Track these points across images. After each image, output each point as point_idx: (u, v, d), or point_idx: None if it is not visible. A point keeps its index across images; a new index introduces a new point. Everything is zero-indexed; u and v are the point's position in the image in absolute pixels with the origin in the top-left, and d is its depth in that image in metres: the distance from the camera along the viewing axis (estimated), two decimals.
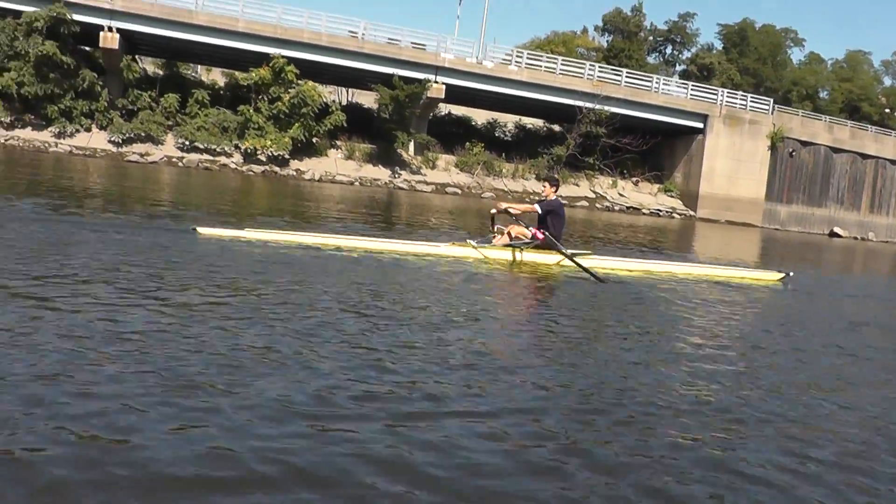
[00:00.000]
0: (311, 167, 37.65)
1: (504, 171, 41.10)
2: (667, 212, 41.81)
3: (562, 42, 74.37)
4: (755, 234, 35.32)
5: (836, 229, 45.74)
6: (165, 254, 7.25)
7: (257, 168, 36.28)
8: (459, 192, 38.46)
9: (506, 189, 40.10)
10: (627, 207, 41.41)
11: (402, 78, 37.14)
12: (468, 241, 9.56)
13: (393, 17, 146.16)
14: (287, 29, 37.23)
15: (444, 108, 47.31)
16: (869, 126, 51.56)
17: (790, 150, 44.57)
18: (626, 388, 4.19)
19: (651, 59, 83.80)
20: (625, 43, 72.06)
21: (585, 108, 39.79)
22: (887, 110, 79.06)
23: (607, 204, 41.18)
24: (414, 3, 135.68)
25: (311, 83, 38.01)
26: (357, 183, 36.75)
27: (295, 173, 36.69)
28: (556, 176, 10.56)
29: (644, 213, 40.93)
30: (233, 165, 36.28)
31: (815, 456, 3.42)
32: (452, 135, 42.61)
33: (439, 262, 8.80)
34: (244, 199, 19.81)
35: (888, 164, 48.37)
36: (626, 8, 78.71)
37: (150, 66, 46.19)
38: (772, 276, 10.84)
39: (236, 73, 40.71)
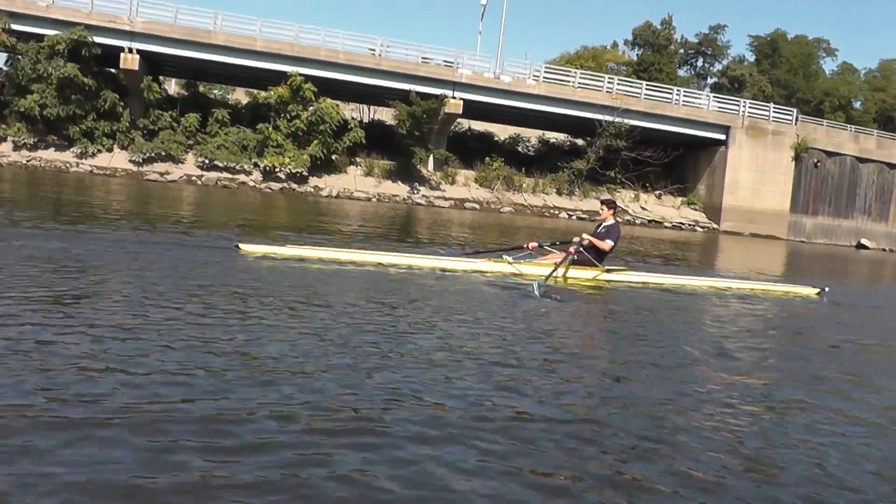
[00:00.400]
0: (330, 184, 37.99)
1: (524, 185, 41.27)
2: (689, 225, 41.76)
3: (591, 56, 74.46)
4: (780, 247, 35.10)
5: (864, 241, 45.41)
6: (214, 270, 7.51)
7: (276, 185, 36.68)
8: (478, 207, 38.61)
9: (525, 203, 40.25)
10: (649, 221, 41.37)
11: (419, 94, 37.49)
12: (504, 256, 9.75)
13: (414, 34, 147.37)
14: (304, 47, 37.70)
15: (466, 124, 47.75)
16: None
17: (815, 160, 44.43)
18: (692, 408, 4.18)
19: (682, 72, 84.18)
20: (655, 56, 72.41)
21: (605, 121, 39.98)
22: None
23: (629, 217, 41.14)
24: (435, 20, 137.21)
25: (329, 100, 38.46)
26: (374, 199, 36.98)
27: (313, 190, 37.07)
28: (612, 198, 10.67)
29: (666, 227, 40.89)
30: (251, 183, 36.72)
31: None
32: (474, 150, 42.79)
33: (477, 277, 9.00)
34: (264, 216, 19.92)
35: None
36: (656, 21, 79.04)
37: (173, 86, 47.05)
38: (808, 292, 10.98)
39: (256, 91, 41.32)
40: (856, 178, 46.17)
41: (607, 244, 9.79)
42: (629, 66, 74.07)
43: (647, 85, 42.73)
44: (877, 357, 6.73)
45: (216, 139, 37.91)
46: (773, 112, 44.01)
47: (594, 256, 9.72)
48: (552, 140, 48.42)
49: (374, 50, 38.89)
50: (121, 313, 5.02)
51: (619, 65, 76.77)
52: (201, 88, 46.88)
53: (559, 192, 41.68)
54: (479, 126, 48.13)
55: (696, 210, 43.65)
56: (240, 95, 46.35)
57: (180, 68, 41.19)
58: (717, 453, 3.40)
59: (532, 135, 48.46)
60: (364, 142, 38.92)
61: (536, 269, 9.50)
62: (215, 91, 46.46)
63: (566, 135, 48.34)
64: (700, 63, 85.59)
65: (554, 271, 9.19)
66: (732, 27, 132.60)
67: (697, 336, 6.77)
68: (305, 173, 37.43)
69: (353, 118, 41.46)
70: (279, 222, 17.62)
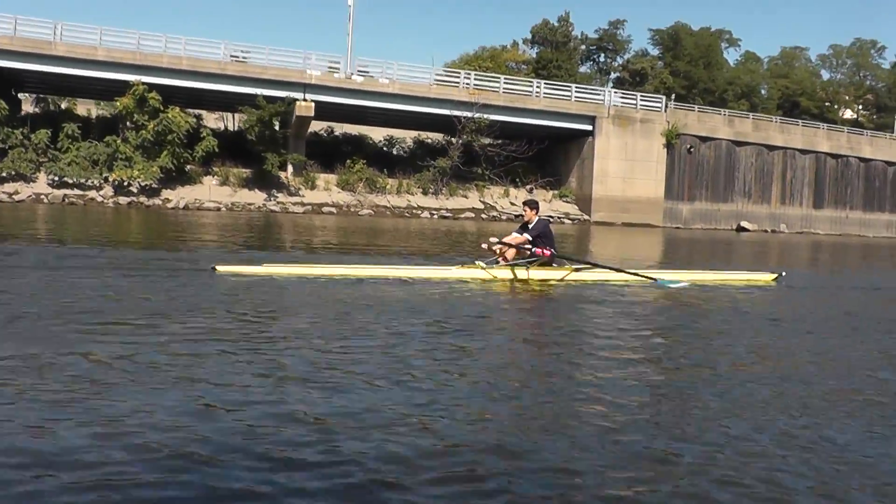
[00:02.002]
0: (184, 195, 38.00)
1: (388, 186, 41.64)
2: (558, 217, 42.33)
3: (490, 57, 75.11)
4: (655, 235, 35.42)
5: (744, 223, 46.19)
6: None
7: (124, 200, 36.65)
8: (335, 211, 38.83)
9: (389, 205, 40.55)
10: (516, 216, 41.82)
11: (268, 97, 37.79)
12: (477, 262, 10.02)
13: (280, 40, 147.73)
14: (146, 55, 37.46)
15: (340, 128, 48.09)
16: (774, 117, 52.34)
17: (688, 146, 45.16)
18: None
19: (585, 69, 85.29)
20: (553, 54, 73.18)
21: (464, 117, 40.49)
22: (827, 104, 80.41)
23: (495, 214, 41.68)
24: (303, 26, 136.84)
25: (177, 109, 38.42)
26: (223, 208, 37.04)
27: (161, 203, 37.15)
28: (534, 199, 11.08)
29: None
30: (100, 199, 36.62)
31: None
32: (344, 154, 42.91)
33: (451, 284, 9.30)
34: (83, 233, 19.31)
35: (797, 154, 49.03)
36: (555, 19, 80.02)
37: (28, 104, 46.89)
38: (766, 277, 11.26)
39: (102, 103, 41.36)
40: (733, 161, 46.99)
41: (525, 237, 10.22)
42: (528, 65, 74.85)
43: (505, 79, 43.28)
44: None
45: (68, 155, 37.74)
46: (641, 100, 44.72)
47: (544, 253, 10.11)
48: (427, 140, 48.78)
49: (238, 56, 39.13)
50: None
51: (519, 64, 77.24)
52: (64, 104, 46.86)
53: (425, 192, 42.10)
54: (353, 129, 48.44)
55: (568, 202, 44.19)
56: (95, 108, 46.21)
57: (26, 82, 41.07)
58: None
59: (407, 135, 48.82)
60: (217, 150, 38.99)
61: (509, 273, 9.93)
62: (65, 104, 46.20)
63: (443, 134, 48.80)
64: (602, 59, 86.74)
65: (523, 272, 9.81)
66: (634, 22, 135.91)
67: (677, 332, 6.94)
68: (156, 186, 37.40)
69: (205, 128, 41.49)
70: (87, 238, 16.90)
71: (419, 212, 40.26)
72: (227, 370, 4.50)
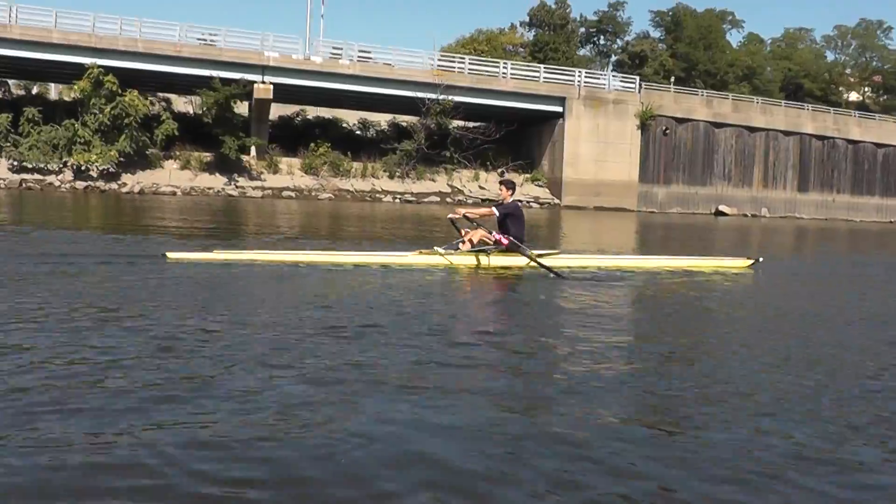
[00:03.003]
0: (144, 180, 37.87)
1: (353, 170, 41.31)
2: (528, 202, 41.72)
3: (486, 40, 74.65)
4: (628, 220, 34.79)
5: (722, 207, 45.34)
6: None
7: (81, 184, 36.63)
8: (294, 195, 38.57)
9: (352, 189, 40.19)
10: (483, 199, 41.38)
11: (225, 80, 37.51)
12: (435, 248, 9.74)
13: (249, 22, 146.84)
14: (102, 37, 37.22)
15: (315, 111, 47.81)
16: (756, 98, 51.26)
17: (663, 128, 44.45)
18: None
19: (585, 51, 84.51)
20: (550, 36, 72.54)
21: (428, 99, 40.03)
22: (833, 86, 79.10)
23: (461, 198, 41.22)
24: (273, 7, 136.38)
25: (134, 93, 38.30)
26: (179, 193, 36.89)
27: (117, 187, 37.02)
28: (510, 179, 10.89)
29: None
30: (58, 184, 36.65)
31: None
32: (313, 138, 42.65)
33: (407, 271, 9.04)
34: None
35: (780, 135, 48.04)
36: (551, 1, 79.16)
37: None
38: (741, 263, 10.93)
39: (62, 87, 41.31)
40: (712, 143, 46.16)
41: (492, 210, 10.00)
42: (526, 48, 74.28)
43: (470, 59, 42.77)
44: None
45: (28, 139, 37.77)
46: (613, 81, 44.07)
47: (515, 237, 9.69)
48: (403, 123, 48.29)
49: (203, 38, 38.88)
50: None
51: (517, 47, 76.78)
52: (35, 89, 46.94)
53: (391, 176, 41.70)
54: (328, 113, 48.11)
55: (540, 186, 43.58)
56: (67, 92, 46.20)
57: None
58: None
59: (382, 119, 48.34)
60: (177, 134, 38.85)
61: (467, 260, 9.62)
62: (36, 89, 46.29)
63: (417, 117, 48.33)
64: (603, 41, 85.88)
65: (482, 259, 9.50)
66: (634, 3, 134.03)
67: (653, 319, 6.88)
68: (115, 170, 37.24)
69: (165, 112, 41.34)
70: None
71: (382, 196, 39.88)
72: (163, 363, 4.21)
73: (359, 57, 39.95)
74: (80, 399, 3.50)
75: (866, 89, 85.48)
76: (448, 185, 42.18)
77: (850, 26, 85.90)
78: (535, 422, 3.54)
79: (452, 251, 9.70)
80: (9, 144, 37.14)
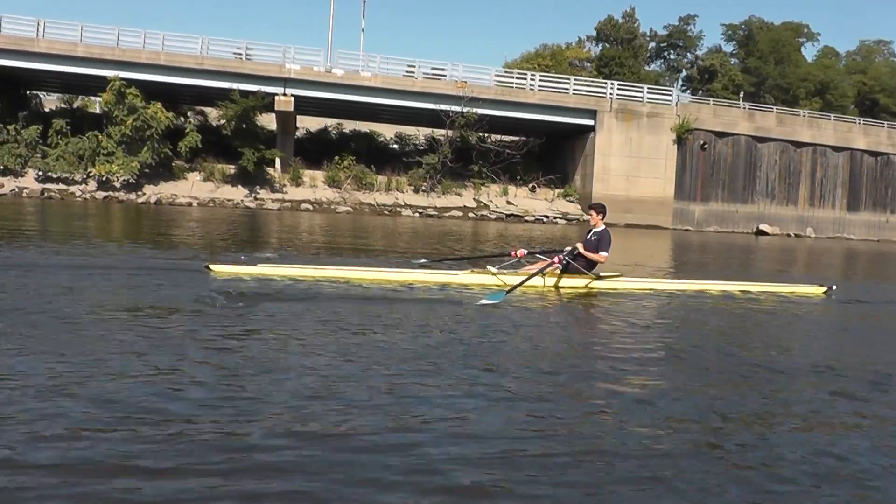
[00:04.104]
0: (166, 191, 38.05)
1: (377, 183, 40.76)
2: (555, 218, 40.60)
3: (551, 55, 73.94)
4: (659, 238, 33.42)
5: (763, 226, 43.44)
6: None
7: (101, 194, 36.91)
8: (312, 208, 38.21)
9: (375, 202, 39.62)
10: (508, 215, 40.32)
11: (245, 92, 37.43)
12: (488, 267, 9.47)
13: (279, 35, 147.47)
14: (125, 50, 37.67)
15: (351, 125, 47.52)
16: (802, 111, 49.25)
17: (701, 142, 42.79)
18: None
19: (655, 66, 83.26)
20: (615, 51, 71.65)
21: (452, 111, 39.27)
22: None
23: (484, 213, 40.24)
24: (302, 20, 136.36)
25: (158, 105, 38.57)
26: (195, 204, 36.84)
27: (135, 198, 37.17)
28: (601, 203, 10.43)
29: (527, 220, 39.82)
30: (78, 193, 37.02)
31: None
32: (345, 150, 42.23)
33: (459, 290, 8.76)
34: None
35: (829, 151, 45.91)
36: (619, 16, 78.25)
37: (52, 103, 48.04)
38: (814, 290, 10.59)
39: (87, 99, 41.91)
40: (754, 158, 44.29)
41: (601, 256, 9.40)
42: (592, 63, 73.38)
43: (496, 71, 41.92)
44: None
45: (56, 150, 38.39)
46: (648, 93, 42.64)
47: (584, 265, 9.37)
48: (440, 136, 47.59)
49: (228, 51, 39.01)
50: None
51: (582, 61, 76.00)
52: (77, 102, 47.76)
53: (416, 190, 41.02)
54: (364, 126, 47.78)
55: (571, 202, 42.37)
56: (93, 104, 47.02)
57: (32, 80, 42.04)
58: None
59: (421, 132, 47.50)
60: (201, 146, 38.98)
61: (522, 280, 9.12)
62: (78, 103, 47.25)
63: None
64: (673, 56, 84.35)
65: (527, 279, 8.92)
66: (706, 17, 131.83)
67: (733, 345, 6.54)
68: (135, 181, 37.53)
69: (190, 123, 41.59)
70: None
71: (402, 210, 39.19)
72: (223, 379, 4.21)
73: (381, 69, 39.21)
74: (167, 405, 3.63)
75: None
76: (475, 199, 41.32)
77: None
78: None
79: (505, 271, 9.29)
80: (37, 155, 37.76)
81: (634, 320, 7.37)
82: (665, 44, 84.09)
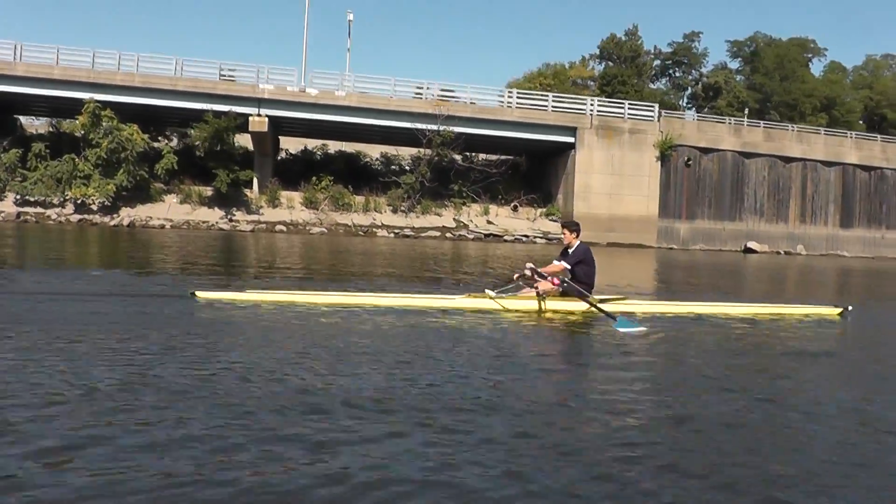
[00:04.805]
0: (143, 213, 38.03)
1: (355, 204, 40.49)
2: (535, 237, 40.06)
3: (553, 74, 73.78)
4: (642, 258, 32.91)
5: (751, 244, 42.61)
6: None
7: (76, 217, 36.93)
8: (286, 229, 37.96)
9: (351, 223, 39.35)
10: (486, 235, 39.89)
11: (218, 113, 37.40)
12: (486, 291, 9.18)
13: (276, 58, 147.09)
14: (100, 72, 37.83)
15: (335, 146, 47.47)
16: (791, 125, 48.52)
17: (686, 158, 42.20)
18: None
19: (661, 84, 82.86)
20: (618, 69, 71.33)
21: (429, 130, 38.99)
22: None
23: (462, 233, 39.80)
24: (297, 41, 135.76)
25: (134, 127, 38.68)
26: (168, 226, 36.72)
27: (108, 220, 37.10)
28: (573, 220, 10.21)
29: (507, 240, 39.39)
30: (54, 216, 37.07)
31: None
32: (329, 172, 42.15)
33: (455, 315, 8.47)
34: None
35: (819, 165, 45.13)
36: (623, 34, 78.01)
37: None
38: (829, 311, 10.21)
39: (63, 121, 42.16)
40: (741, 174, 43.54)
41: (562, 265, 9.19)
42: (595, 81, 73.08)
43: (472, 88, 41.56)
44: None
45: (35, 174, 38.54)
46: (629, 109, 42.11)
47: (585, 287, 9.04)
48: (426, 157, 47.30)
49: (201, 72, 39.02)
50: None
51: (585, 80, 75.72)
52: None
53: (395, 210, 40.71)
54: (350, 147, 47.73)
55: (553, 221, 41.76)
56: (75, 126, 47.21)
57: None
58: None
59: (407, 152, 47.26)
60: (176, 168, 38.96)
61: (521, 304, 9.02)
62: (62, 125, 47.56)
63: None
64: (679, 73, 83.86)
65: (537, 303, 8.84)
66: (711, 34, 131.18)
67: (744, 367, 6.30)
68: (110, 203, 37.52)
69: (167, 145, 41.69)
70: None
71: (377, 230, 38.87)
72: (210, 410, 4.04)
73: (355, 88, 39.03)
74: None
75: None
76: (454, 219, 40.90)
77: None
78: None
79: (504, 295, 9.01)
80: (17, 179, 37.90)
81: (639, 345, 7.02)
82: (670, 61, 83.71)
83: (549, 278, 8.87)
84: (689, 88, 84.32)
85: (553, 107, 40.94)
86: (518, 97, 41.17)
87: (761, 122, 48.27)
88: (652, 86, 79.11)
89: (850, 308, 10.13)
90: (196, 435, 3.54)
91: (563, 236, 9.67)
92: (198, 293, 8.65)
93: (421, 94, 40.20)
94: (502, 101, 40.73)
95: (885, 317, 11.79)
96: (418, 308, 8.60)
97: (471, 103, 40.13)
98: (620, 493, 3.10)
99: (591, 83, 74.42)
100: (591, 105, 41.46)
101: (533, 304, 8.89)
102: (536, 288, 8.96)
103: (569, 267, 9.07)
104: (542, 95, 42.47)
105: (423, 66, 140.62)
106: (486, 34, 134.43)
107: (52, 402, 3.97)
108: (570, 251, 9.32)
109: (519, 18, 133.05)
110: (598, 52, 79.28)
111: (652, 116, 41.94)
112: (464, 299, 8.98)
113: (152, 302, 8.36)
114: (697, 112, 60.34)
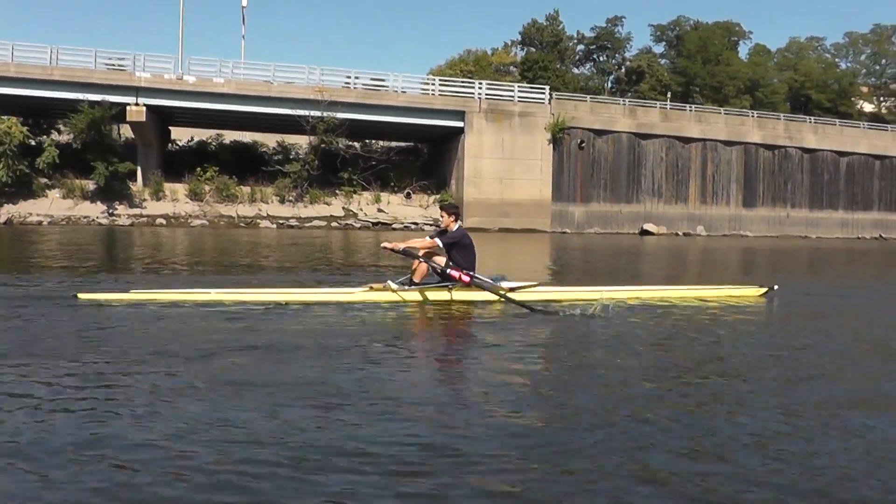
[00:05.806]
0: (26, 209, 37.38)
1: (241, 195, 40.08)
2: (425, 225, 39.72)
3: (475, 60, 73.90)
4: (535, 242, 32.55)
5: (648, 226, 42.47)
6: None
7: None
8: (165, 222, 37.47)
9: (237, 215, 38.94)
10: (375, 223, 39.61)
11: (94, 103, 36.87)
12: (388, 283, 8.73)
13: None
14: None
15: (231, 136, 46.98)
16: (688, 105, 48.40)
17: (579, 140, 42.06)
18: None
19: (585, 70, 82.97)
20: (539, 54, 71.24)
21: (311, 116, 38.62)
22: (844, 97, 75.01)
23: (349, 222, 39.46)
24: (197, 29, 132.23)
25: (13, 120, 38.15)
26: (46, 223, 36.06)
27: None
28: (453, 203, 9.75)
29: (395, 229, 39.06)
30: None
31: None
32: (217, 162, 41.71)
33: (354, 309, 8.07)
34: None
35: (720, 145, 45.08)
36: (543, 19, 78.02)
37: None
38: (754, 292, 9.98)
39: None
40: (638, 156, 43.41)
41: (434, 242, 8.71)
42: (517, 67, 72.97)
43: (356, 72, 41.24)
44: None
45: None
46: (519, 92, 41.89)
47: (466, 269, 8.58)
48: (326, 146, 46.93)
49: (77, 60, 38.50)
50: None
51: (507, 66, 75.69)
52: None
53: (282, 200, 40.33)
54: (248, 137, 47.32)
55: None
56: None
57: None
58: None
59: (303, 141, 46.92)
60: (57, 161, 38.44)
61: (428, 295, 8.58)
62: None
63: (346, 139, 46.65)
64: (603, 58, 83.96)
65: (444, 294, 8.51)
66: (634, 18, 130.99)
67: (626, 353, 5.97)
68: None
69: (49, 138, 41.13)
70: None
71: (261, 221, 38.50)
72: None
73: (234, 74, 38.62)
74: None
75: (882, 100, 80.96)
76: (343, 208, 40.58)
77: (862, 33, 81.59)
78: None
79: (407, 287, 8.58)
80: None
81: (556, 334, 6.82)
82: (594, 46, 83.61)
83: (458, 274, 8.39)
84: (613, 73, 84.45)
85: (440, 91, 40.66)
86: (404, 81, 40.85)
87: (657, 103, 48.13)
88: (576, 70, 79.20)
89: (775, 288, 9.89)
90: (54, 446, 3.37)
91: (441, 219, 9.17)
92: (80, 294, 8.24)
93: (303, 78, 39.69)
94: (387, 87, 40.27)
95: (811, 296, 11.40)
96: (315, 302, 8.24)
97: (355, 88, 39.77)
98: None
99: (514, 69, 74.28)
100: (480, 88, 41.19)
101: (442, 296, 8.47)
102: (412, 278, 8.61)
103: (440, 244, 8.60)
104: (428, 80, 42.18)
105: (346, 56, 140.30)
106: (409, 23, 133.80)
107: None
108: (448, 235, 8.84)
109: (441, 5, 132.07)
110: (519, 38, 79.34)
111: (543, 99, 41.77)
112: (364, 293, 8.55)
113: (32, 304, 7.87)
114: (621, 96, 59.99)
